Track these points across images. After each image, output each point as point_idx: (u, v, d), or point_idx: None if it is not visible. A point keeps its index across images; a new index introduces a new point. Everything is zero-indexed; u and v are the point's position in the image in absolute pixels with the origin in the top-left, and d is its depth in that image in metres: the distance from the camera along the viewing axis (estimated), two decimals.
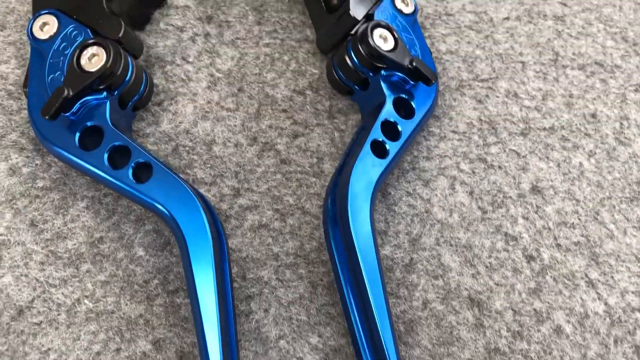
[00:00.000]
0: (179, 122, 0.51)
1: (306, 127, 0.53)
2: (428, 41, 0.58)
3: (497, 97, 0.56)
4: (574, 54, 0.60)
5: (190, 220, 0.42)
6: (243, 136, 0.52)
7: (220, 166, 0.50)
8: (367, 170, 0.46)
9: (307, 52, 0.56)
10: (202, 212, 0.42)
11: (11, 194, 0.47)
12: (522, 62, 0.58)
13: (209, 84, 0.53)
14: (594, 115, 0.57)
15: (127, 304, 0.44)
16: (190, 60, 0.53)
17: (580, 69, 0.59)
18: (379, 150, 0.47)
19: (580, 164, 0.55)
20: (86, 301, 0.44)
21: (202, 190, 0.49)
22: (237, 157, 0.51)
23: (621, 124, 0.57)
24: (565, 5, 0.62)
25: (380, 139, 0.48)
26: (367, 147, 0.47)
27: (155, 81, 0.52)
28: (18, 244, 0.45)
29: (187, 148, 0.50)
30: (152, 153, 0.48)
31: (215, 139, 0.51)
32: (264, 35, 0.56)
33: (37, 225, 0.46)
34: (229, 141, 0.51)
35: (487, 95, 0.56)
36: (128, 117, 0.49)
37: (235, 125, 0.52)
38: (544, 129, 0.56)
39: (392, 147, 0.48)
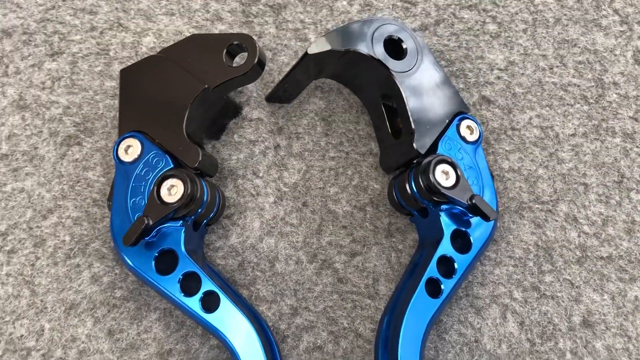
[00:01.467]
0: (246, 237, 0.55)
1: (364, 246, 0.55)
2: (491, 157, 0.59)
3: (556, 221, 0.57)
4: None
5: (249, 354, 0.46)
6: (304, 252, 0.55)
7: (281, 284, 0.53)
8: (421, 309, 0.49)
9: (370, 166, 0.58)
10: (261, 348, 0.46)
11: (92, 302, 0.52)
12: (585, 184, 0.59)
13: (276, 199, 0.56)
14: None
15: None
16: (260, 175, 0.57)
17: None
18: (433, 289, 0.49)
19: (636, 297, 0.55)
20: None
21: (263, 308, 0.52)
22: (297, 274, 0.54)
23: None
24: (636, 120, 0.62)
25: (436, 277, 0.50)
26: (422, 286, 0.49)
27: (227, 194, 0.56)
28: (96, 352, 0.50)
29: (252, 264, 0.54)
30: (221, 270, 0.52)
31: (278, 255, 0.54)
32: (330, 147, 0.59)
33: (113, 335, 0.51)
34: (291, 258, 0.54)
35: (546, 219, 0.57)
36: (201, 233, 0.53)
37: (297, 242, 0.55)
38: (601, 258, 0.56)
39: (446, 285, 0.50)
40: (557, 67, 0.64)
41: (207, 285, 0.48)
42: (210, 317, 0.48)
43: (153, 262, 0.49)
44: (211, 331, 0.48)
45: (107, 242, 0.54)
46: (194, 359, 0.51)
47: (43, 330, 0.51)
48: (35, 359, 0.50)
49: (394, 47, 0.55)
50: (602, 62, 0.64)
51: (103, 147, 0.58)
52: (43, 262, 0.53)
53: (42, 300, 0.52)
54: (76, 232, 0.55)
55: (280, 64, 0.62)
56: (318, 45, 0.52)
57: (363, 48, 0.53)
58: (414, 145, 0.52)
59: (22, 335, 0.51)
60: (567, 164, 0.60)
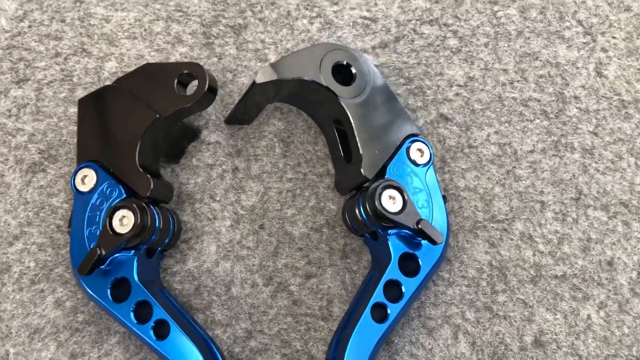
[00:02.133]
0: (203, 262, 0.57)
1: (319, 267, 0.57)
2: (447, 176, 0.60)
3: (511, 240, 0.58)
4: (598, 192, 0.60)
5: None
6: (259, 275, 0.57)
7: (236, 308, 0.55)
8: (366, 334, 0.50)
9: (327, 187, 0.60)
10: None
11: (56, 326, 0.54)
12: (542, 202, 0.60)
13: (233, 223, 0.58)
14: (610, 263, 0.58)
15: None
16: (218, 198, 0.58)
17: (603, 210, 0.60)
18: (379, 314, 0.51)
19: (589, 316, 0.56)
20: None
21: (218, 332, 0.54)
22: (253, 298, 0.56)
23: (639, 273, 0.57)
24: (596, 135, 0.62)
25: (382, 302, 0.51)
26: (367, 312, 0.51)
27: (184, 218, 0.58)
28: None
29: (208, 288, 0.56)
30: (177, 294, 0.54)
31: (234, 279, 0.56)
32: (288, 169, 0.60)
33: (76, 358, 0.54)
34: (247, 282, 0.56)
35: (501, 238, 0.58)
36: (157, 259, 0.55)
37: (253, 265, 0.57)
38: (556, 277, 0.57)
39: (392, 310, 0.51)
40: (518, 81, 0.64)
41: (159, 313, 0.50)
42: (161, 345, 0.50)
43: (109, 290, 0.51)
44: (163, 358, 0.50)
45: (70, 268, 0.56)
46: None
47: (8, 355, 0.54)
48: None
49: (343, 73, 0.55)
50: (563, 75, 0.64)
51: (66, 174, 0.60)
52: (9, 288, 0.56)
53: (7, 326, 0.55)
54: (41, 258, 0.57)
55: (240, 85, 0.63)
56: (265, 75, 0.53)
57: (310, 76, 0.54)
58: (362, 170, 0.53)
59: None
60: (524, 182, 0.60)
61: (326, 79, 0.54)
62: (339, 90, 0.54)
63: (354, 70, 0.55)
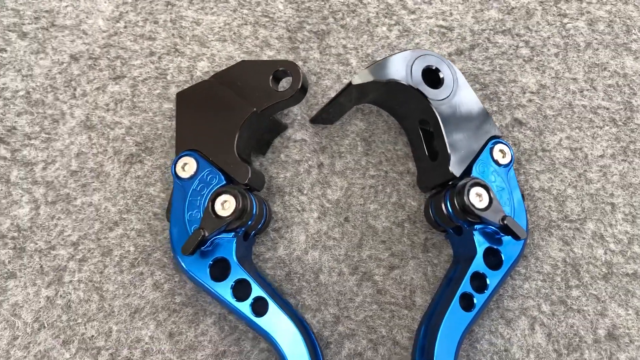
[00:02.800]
0: (293, 250, 0.60)
1: (402, 260, 0.60)
2: (522, 178, 0.63)
3: (584, 239, 0.61)
4: None
5: (295, 355, 0.51)
6: (346, 265, 0.60)
7: (324, 294, 0.59)
8: (455, 321, 0.53)
9: (408, 185, 0.63)
10: (306, 350, 0.51)
11: (154, 307, 0.58)
12: (612, 204, 0.63)
13: (320, 215, 0.61)
14: None
15: None
16: (305, 192, 0.62)
17: None
18: (466, 303, 0.54)
19: None
20: None
21: (308, 316, 0.58)
22: (340, 285, 0.59)
23: None
24: None
25: (469, 292, 0.54)
26: (456, 300, 0.54)
27: (275, 209, 0.61)
28: (158, 352, 0.56)
29: (298, 275, 0.59)
30: (270, 279, 0.57)
31: (322, 267, 0.60)
32: (370, 166, 0.63)
33: (173, 337, 0.57)
34: (334, 270, 0.60)
35: (573, 237, 0.61)
36: (250, 243, 0.59)
37: (339, 255, 0.60)
38: (627, 274, 0.60)
39: (478, 299, 0.54)
40: (587, 90, 0.68)
41: (257, 291, 0.54)
42: (259, 321, 0.53)
43: (208, 270, 0.55)
44: (261, 334, 0.53)
45: (167, 253, 0.60)
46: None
47: (111, 332, 0.57)
48: (105, 357, 0.56)
49: (431, 76, 0.59)
50: (631, 85, 0.68)
51: (162, 165, 0.63)
52: (110, 270, 0.60)
53: (109, 305, 0.58)
54: (139, 243, 0.61)
55: (323, 87, 0.67)
56: (361, 77, 0.56)
57: (402, 78, 0.57)
58: (450, 168, 0.57)
59: (92, 336, 0.57)
60: (595, 184, 0.64)
61: (416, 82, 0.58)
62: (428, 92, 0.58)
63: (441, 75, 0.59)
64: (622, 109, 0.67)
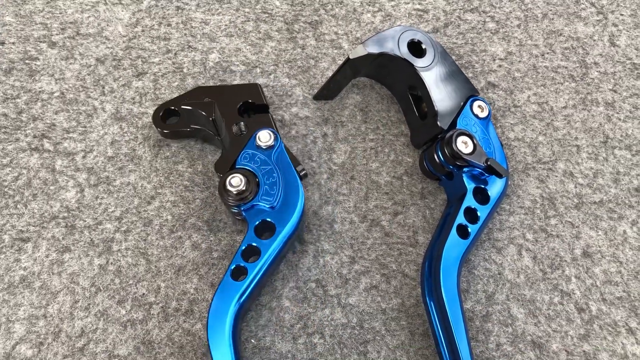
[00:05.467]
0: (310, 206, 0.71)
1: (404, 207, 0.72)
2: (499, 131, 0.75)
3: (556, 176, 0.73)
4: (621, 135, 0.76)
5: None
6: (356, 215, 0.71)
7: (339, 240, 0.70)
8: (454, 248, 0.64)
9: (403, 144, 0.75)
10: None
11: (195, 263, 0.69)
12: (577, 146, 0.75)
13: (329, 176, 0.73)
14: (637, 190, 0.73)
15: (279, 342, 0.65)
16: (314, 158, 0.73)
17: (627, 149, 0.75)
18: (462, 232, 0.65)
19: (624, 231, 0.71)
20: (252, 340, 0.65)
21: (327, 258, 0.69)
22: (352, 232, 0.70)
23: None
24: (615, 92, 0.78)
25: (464, 223, 0.66)
26: (454, 230, 0.65)
27: None
28: (203, 300, 0.67)
29: (316, 226, 0.70)
30: None
31: (335, 218, 0.71)
32: (369, 132, 0.75)
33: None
34: (346, 220, 0.71)
35: (547, 176, 0.73)
36: None
37: (349, 207, 0.71)
38: (594, 202, 0.72)
39: (472, 229, 0.66)
40: (547, 53, 0.80)
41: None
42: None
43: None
44: None
45: (201, 217, 0.71)
46: (278, 297, 0.67)
47: (159, 289, 0.68)
48: (157, 310, 0.67)
49: (415, 47, 0.71)
50: (584, 46, 0.81)
51: (186, 145, 0.74)
52: (152, 237, 0.70)
53: (156, 266, 0.69)
54: (175, 212, 0.71)
55: (321, 69, 0.79)
56: (357, 51, 0.68)
57: (392, 50, 0.69)
58: (438, 123, 0.68)
59: (143, 294, 0.68)
60: (561, 131, 0.76)
61: (403, 52, 0.70)
62: (414, 61, 0.70)
63: (423, 46, 0.71)
64: (578, 66, 0.80)
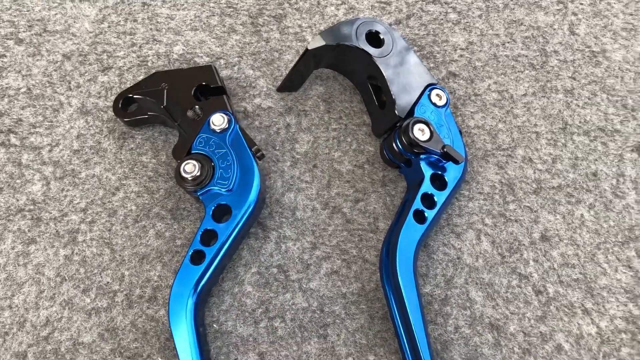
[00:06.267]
0: (273, 193, 0.73)
1: (365, 194, 0.74)
2: (459, 119, 0.78)
3: (515, 162, 0.76)
4: (580, 122, 0.78)
5: None
6: (318, 202, 0.73)
7: (301, 227, 0.72)
8: (410, 233, 0.67)
9: (365, 134, 0.77)
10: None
11: (159, 251, 0.71)
12: (537, 132, 0.77)
13: (292, 163, 0.75)
14: (595, 174, 0.75)
15: (241, 327, 0.67)
16: (277, 148, 0.76)
17: (585, 135, 0.78)
18: (419, 217, 0.68)
19: (582, 215, 0.73)
20: (214, 324, 0.67)
21: (289, 244, 0.71)
22: (314, 219, 0.72)
23: (617, 180, 0.75)
24: (574, 79, 0.80)
25: (421, 209, 0.68)
26: (410, 215, 0.67)
27: None
28: (167, 287, 0.69)
29: (278, 212, 0.73)
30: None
31: (298, 205, 0.73)
32: (332, 121, 0.77)
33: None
34: (308, 207, 0.73)
35: (506, 162, 0.76)
36: None
37: (312, 194, 0.74)
38: (553, 187, 0.75)
39: (429, 214, 0.68)
40: (508, 42, 0.83)
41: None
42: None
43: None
44: None
45: (165, 206, 0.73)
46: (240, 283, 0.69)
47: (124, 277, 0.70)
48: (120, 298, 0.69)
49: (373, 38, 0.74)
50: (544, 35, 0.83)
51: (150, 137, 0.77)
52: (117, 227, 0.72)
53: (120, 255, 0.71)
54: (139, 202, 0.73)
55: (286, 61, 0.81)
56: (315, 42, 0.71)
57: (349, 41, 0.72)
58: (396, 112, 0.71)
59: (108, 282, 0.70)
60: (521, 118, 0.79)
61: (361, 43, 0.72)
62: (372, 51, 0.72)
63: (381, 36, 0.74)
64: (538, 55, 0.82)
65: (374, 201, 0.74)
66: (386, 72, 0.72)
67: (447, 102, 0.73)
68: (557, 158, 0.76)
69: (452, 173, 0.71)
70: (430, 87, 0.73)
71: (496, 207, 0.73)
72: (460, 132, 0.73)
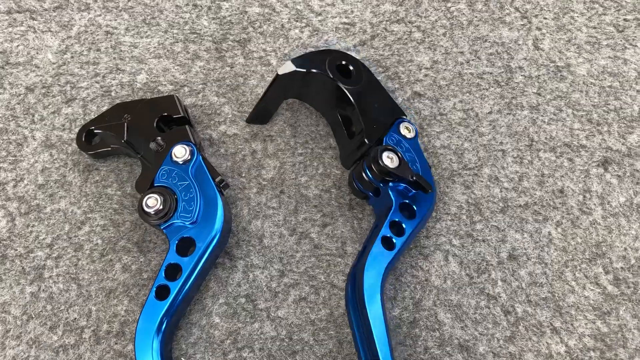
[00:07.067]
0: (239, 222, 0.74)
1: (332, 218, 0.75)
2: (425, 139, 0.79)
3: (482, 181, 0.77)
4: (546, 138, 0.80)
5: None
6: (285, 228, 0.74)
7: (269, 254, 0.73)
8: (378, 260, 0.67)
9: (331, 157, 0.78)
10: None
11: (126, 285, 0.71)
12: (503, 150, 0.79)
13: (258, 190, 0.76)
14: (561, 191, 0.77)
15: (210, 359, 0.68)
16: (243, 175, 0.76)
17: (551, 151, 0.79)
18: (387, 244, 0.68)
19: (549, 233, 0.75)
20: (182, 358, 0.68)
21: (257, 272, 0.72)
22: (281, 246, 0.73)
23: (584, 196, 0.76)
24: (539, 95, 0.82)
25: (389, 235, 0.69)
26: (378, 241, 0.68)
27: None
28: (134, 321, 0.70)
29: (245, 241, 0.74)
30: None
31: (265, 233, 0.74)
32: (298, 146, 0.78)
33: None
34: (275, 234, 0.74)
35: (473, 181, 0.77)
36: None
37: (279, 221, 0.75)
38: (520, 206, 0.76)
39: (398, 241, 0.69)
40: (473, 60, 0.84)
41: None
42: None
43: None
44: None
45: (131, 239, 0.73)
46: (208, 315, 0.70)
47: (91, 312, 0.70)
48: (88, 334, 0.69)
49: (343, 69, 0.75)
50: (508, 51, 0.85)
51: (115, 168, 0.77)
52: (83, 262, 0.73)
53: (87, 290, 0.71)
54: (105, 235, 0.74)
55: (251, 86, 0.82)
56: (285, 67, 0.72)
57: (320, 70, 0.73)
58: (365, 139, 0.72)
59: (75, 318, 0.70)
60: (486, 136, 0.80)
61: (332, 73, 0.73)
62: (342, 82, 0.73)
63: (351, 68, 0.75)
64: (503, 71, 0.83)
65: (342, 225, 0.75)
66: (356, 102, 0.73)
67: (415, 134, 0.74)
68: (524, 176, 0.77)
69: (421, 203, 0.72)
70: (399, 120, 0.74)
71: (463, 227, 0.75)
72: (429, 166, 0.74)
